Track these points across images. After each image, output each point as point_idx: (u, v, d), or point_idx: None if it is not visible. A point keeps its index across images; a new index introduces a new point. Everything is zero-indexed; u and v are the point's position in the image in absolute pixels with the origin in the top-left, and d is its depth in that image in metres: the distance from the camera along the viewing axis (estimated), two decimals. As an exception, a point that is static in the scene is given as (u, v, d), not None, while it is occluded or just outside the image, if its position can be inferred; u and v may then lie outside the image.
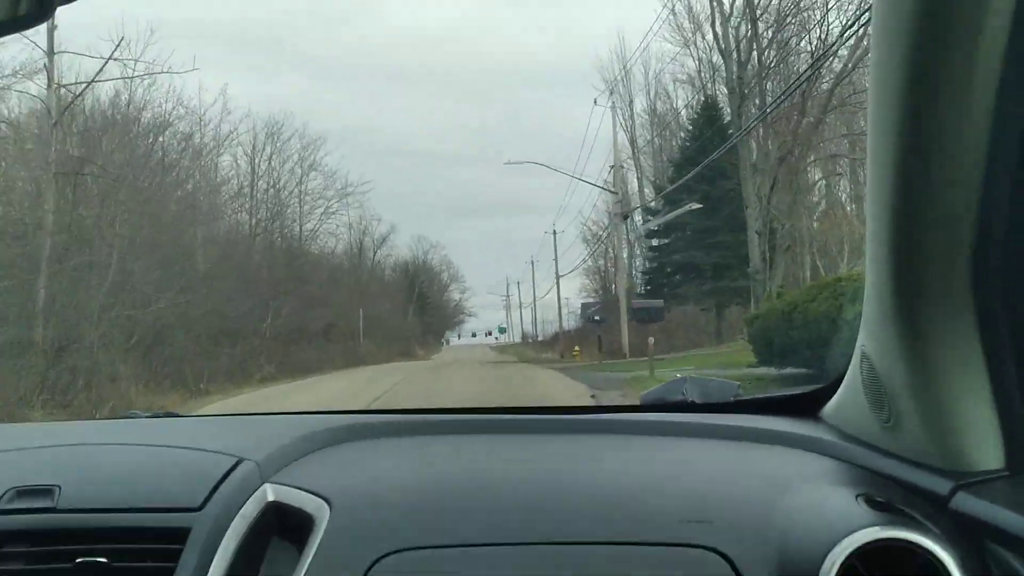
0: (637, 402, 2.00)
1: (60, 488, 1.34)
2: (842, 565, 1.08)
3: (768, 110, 26.40)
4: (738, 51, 29.60)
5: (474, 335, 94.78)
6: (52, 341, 16.70)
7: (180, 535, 1.26)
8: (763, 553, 1.17)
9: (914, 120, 0.99)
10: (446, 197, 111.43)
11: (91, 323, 17.82)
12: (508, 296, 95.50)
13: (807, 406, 1.63)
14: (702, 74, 36.72)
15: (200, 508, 1.31)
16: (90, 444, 1.61)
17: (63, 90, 19.46)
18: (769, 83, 30.26)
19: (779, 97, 26.08)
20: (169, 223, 24.53)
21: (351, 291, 47.91)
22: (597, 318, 37.18)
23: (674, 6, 35.08)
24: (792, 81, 26.02)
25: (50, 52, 18.67)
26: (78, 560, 1.25)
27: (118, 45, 19.05)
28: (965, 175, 1.00)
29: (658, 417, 1.73)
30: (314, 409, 2.27)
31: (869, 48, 1.08)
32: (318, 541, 1.25)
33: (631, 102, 45.54)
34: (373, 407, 6.43)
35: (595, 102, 38.53)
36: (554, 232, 53.68)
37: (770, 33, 29.28)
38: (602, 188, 38.59)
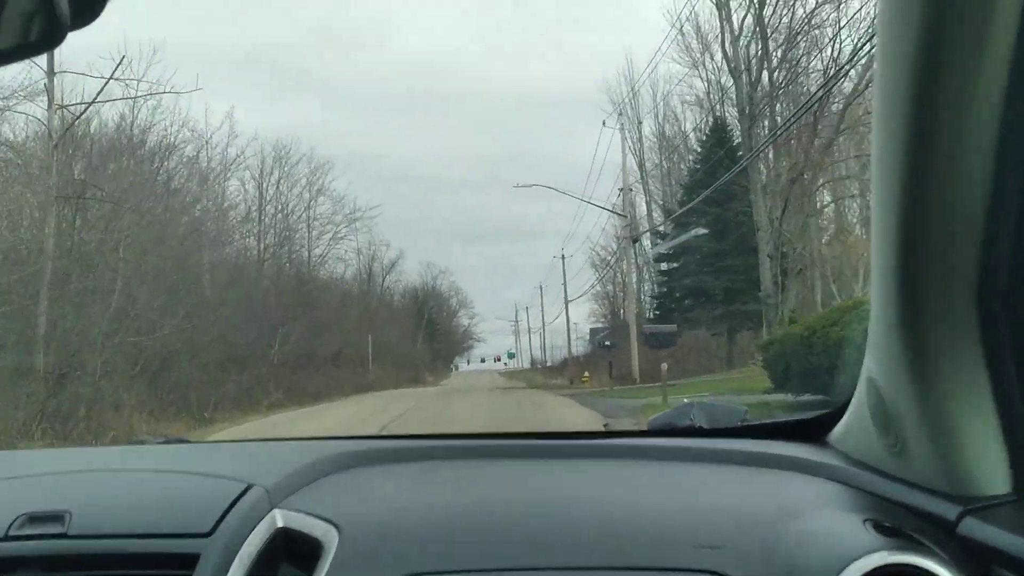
0: (645, 427, 2.02)
1: (71, 514, 1.34)
2: None
3: (781, 130, 26.17)
4: (748, 71, 29.41)
5: (483, 360, 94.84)
6: (53, 368, 16.44)
7: (190, 561, 1.26)
8: None
9: (918, 144, 0.99)
10: (453, 223, 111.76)
11: (94, 350, 17.59)
12: (517, 321, 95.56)
13: (814, 431, 1.64)
14: (711, 95, 36.67)
15: (209, 534, 1.30)
16: (100, 470, 1.63)
17: (64, 111, 19.29)
18: (779, 104, 30.08)
19: (792, 116, 25.86)
20: (175, 248, 24.35)
21: (360, 317, 47.82)
22: (608, 343, 36.70)
23: (682, 26, 35.17)
24: (804, 102, 25.73)
25: (50, 72, 18.44)
26: None
27: (119, 64, 18.68)
28: (970, 201, 1.00)
29: (666, 442, 1.73)
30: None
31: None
32: (327, 567, 1.25)
33: (639, 124, 45.53)
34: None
35: (604, 123, 38.38)
36: (563, 257, 53.58)
37: (780, 52, 29.12)
38: (611, 211, 38.47)
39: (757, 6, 28.67)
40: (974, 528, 1.12)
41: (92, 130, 22.91)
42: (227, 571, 1.24)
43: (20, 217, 19.88)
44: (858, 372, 1.40)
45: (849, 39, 26.01)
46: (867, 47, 20.10)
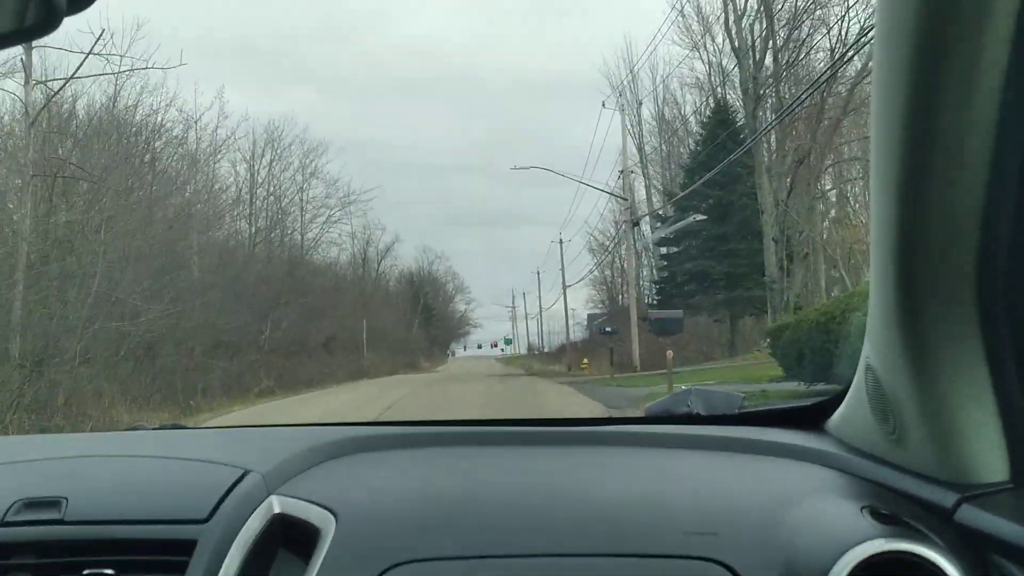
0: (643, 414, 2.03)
1: (67, 500, 1.34)
2: None
3: (787, 109, 25.38)
4: (753, 51, 28.64)
5: (479, 346, 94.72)
6: (29, 355, 15.77)
7: (187, 547, 1.26)
8: (768, 565, 1.17)
9: (918, 131, 0.98)
10: (450, 207, 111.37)
11: (73, 335, 16.87)
12: (514, 307, 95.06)
13: (812, 418, 1.64)
14: (712, 77, 35.91)
15: (206, 520, 1.30)
16: (96, 456, 1.62)
17: (42, 87, 18.50)
18: (784, 84, 29.30)
19: (799, 95, 25.08)
20: (163, 230, 23.59)
21: (354, 302, 47.24)
22: (608, 329, 35.90)
23: (683, 7, 34.22)
24: (812, 81, 24.99)
25: (28, 48, 17.81)
26: (85, 572, 1.26)
27: (99, 38, 17.97)
28: (970, 187, 0.99)
29: (663, 429, 1.73)
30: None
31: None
32: (324, 553, 1.25)
33: (639, 106, 44.79)
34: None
35: (603, 104, 37.51)
36: (560, 242, 52.92)
37: (785, 32, 28.34)
38: (611, 194, 37.77)
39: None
40: (971, 515, 1.12)
41: (77, 109, 22.15)
42: (224, 557, 1.24)
43: (-3, 197, 19.11)
44: (857, 359, 1.38)
45: (857, 19, 25.23)
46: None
